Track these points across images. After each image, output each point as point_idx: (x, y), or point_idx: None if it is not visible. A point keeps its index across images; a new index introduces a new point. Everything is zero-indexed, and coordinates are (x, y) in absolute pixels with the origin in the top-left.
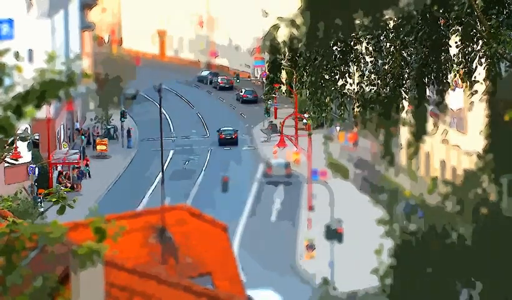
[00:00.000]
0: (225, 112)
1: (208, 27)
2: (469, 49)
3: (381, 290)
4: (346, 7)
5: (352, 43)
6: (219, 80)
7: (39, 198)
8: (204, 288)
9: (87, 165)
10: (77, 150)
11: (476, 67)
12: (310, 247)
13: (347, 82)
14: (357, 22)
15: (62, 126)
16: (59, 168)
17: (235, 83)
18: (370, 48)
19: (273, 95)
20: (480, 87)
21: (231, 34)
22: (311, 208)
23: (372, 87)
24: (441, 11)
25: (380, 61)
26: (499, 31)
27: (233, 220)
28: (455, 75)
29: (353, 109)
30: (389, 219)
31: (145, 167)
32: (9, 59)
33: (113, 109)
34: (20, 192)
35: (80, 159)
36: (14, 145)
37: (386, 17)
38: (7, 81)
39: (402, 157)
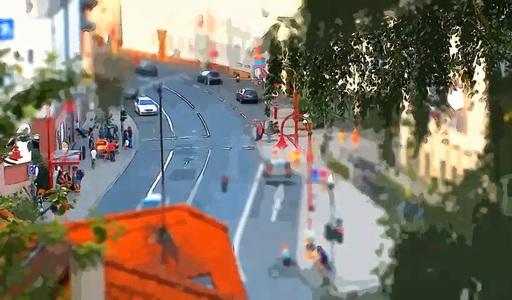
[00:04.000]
0: (225, 112)
1: (208, 27)
2: (470, 49)
3: (382, 290)
4: (346, 7)
5: (352, 43)
6: (243, 93)
7: (39, 198)
8: (204, 288)
9: (116, 147)
10: (77, 150)
11: (474, 66)
12: (310, 247)
13: (347, 82)
14: (357, 21)
15: (62, 126)
16: (59, 168)
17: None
18: (370, 48)
19: (274, 94)
20: (480, 87)
21: (231, 34)
22: (311, 208)
23: (372, 87)
24: (441, 11)
25: (380, 61)
26: (499, 31)
27: (233, 220)
28: (454, 75)
29: (353, 108)
30: (389, 219)
31: (145, 167)
32: (9, 59)
33: (113, 109)
34: (20, 192)
35: (80, 159)
36: (14, 145)
37: (387, 16)
38: (7, 81)
39: (402, 157)
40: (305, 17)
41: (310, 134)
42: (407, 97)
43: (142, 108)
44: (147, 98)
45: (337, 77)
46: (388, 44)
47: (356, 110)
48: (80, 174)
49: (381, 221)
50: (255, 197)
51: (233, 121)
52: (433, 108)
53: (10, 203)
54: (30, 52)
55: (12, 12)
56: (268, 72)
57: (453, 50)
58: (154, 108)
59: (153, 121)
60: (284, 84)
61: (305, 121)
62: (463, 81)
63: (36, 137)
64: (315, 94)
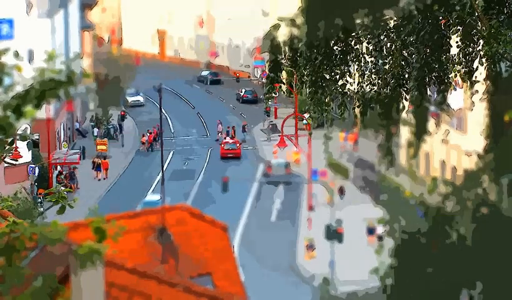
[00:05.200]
0: (225, 112)
1: (208, 27)
2: (470, 49)
3: (382, 290)
4: (346, 7)
5: (352, 43)
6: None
7: (39, 198)
8: (204, 288)
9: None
10: (77, 150)
11: (477, 67)
12: (310, 247)
13: (347, 82)
14: (357, 21)
15: (62, 126)
16: (59, 168)
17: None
18: (371, 48)
19: (274, 94)
20: (480, 87)
21: (231, 34)
22: (311, 208)
23: (372, 87)
24: (441, 11)
25: (381, 61)
26: (500, 31)
27: (233, 220)
28: (455, 75)
29: (354, 108)
30: (389, 219)
31: (145, 167)
32: (8, 59)
33: (113, 108)
34: (20, 192)
35: (80, 159)
36: (14, 145)
37: (387, 16)
38: (6, 81)
39: (402, 157)
40: (305, 17)
41: (310, 134)
42: (407, 97)
43: (130, 99)
44: (133, 90)
45: (337, 77)
46: (388, 44)
47: (356, 110)
48: (71, 176)
49: (381, 221)
50: (255, 197)
51: (233, 121)
52: (432, 108)
53: (10, 203)
54: (30, 52)
55: (12, 12)
56: (268, 72)
57: (454, 50)
58: (141, 99)
59: (153, 121)
60: (284, 84)
61: (305, 121)
62: (464, 81)
63: (36, 137)
64: (315, 94)
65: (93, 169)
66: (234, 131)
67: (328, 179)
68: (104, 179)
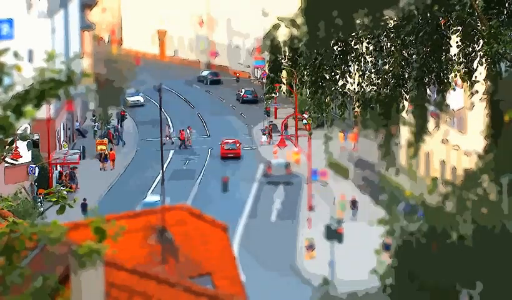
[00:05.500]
0: (225, 112)
1: (208, 27)
2: (470, 49)
3: (382, 290)
4: (346, 7)
5: (352, 43)
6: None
7: (39, 198)
8: (204, 288)
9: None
10: (77, 150)
11: (477, 67)
12: (310, 247)
13: (347, 82)
14: (357, 21)
15: (62, 126)
16: (59, 168)
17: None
18: (371, 48)
19: (274, 94)
20: (480, 87)
21: (231, 34)
22: (311, 208)
23: (372, 87)
24: (441, 11)
25: (380, 61)
26: (500, 31)
27: (233, 220)
28: (455, 75)
29: (354, 108)
30: (389, 219)
31: (145, 167)
32: (8, 59)
33: (113, 109)
34: (20, 192)
35: (80, 159)
36: (14, 145)
37: (387, 16)
38: (6, 80)
39: (402, 157)
40: (305, 17)
41: (310, 134)
42: (407, 97)
43: (130, 99)
44: (133, 90)
45: (337, 77)
46: (388, 44)
47: (356, 110)
48: (71, 176)
49: (381, 221)
50: (255, 197)
51: (233, 121)
52: (432, 108)
53: (10, 203)
54: (30, 52)
55: (12, 12)
56: (268, 72)
57: (454, 50)
58: (141, 99)
59: (154, 121)
60: (284, 84)
61: (304, 121)
62: (464, 81)
63: (36, 137)
64: (315, 94)
65: (100, 160)
66: (271, 129)
67: (331, 183)
68: (111, 169)
